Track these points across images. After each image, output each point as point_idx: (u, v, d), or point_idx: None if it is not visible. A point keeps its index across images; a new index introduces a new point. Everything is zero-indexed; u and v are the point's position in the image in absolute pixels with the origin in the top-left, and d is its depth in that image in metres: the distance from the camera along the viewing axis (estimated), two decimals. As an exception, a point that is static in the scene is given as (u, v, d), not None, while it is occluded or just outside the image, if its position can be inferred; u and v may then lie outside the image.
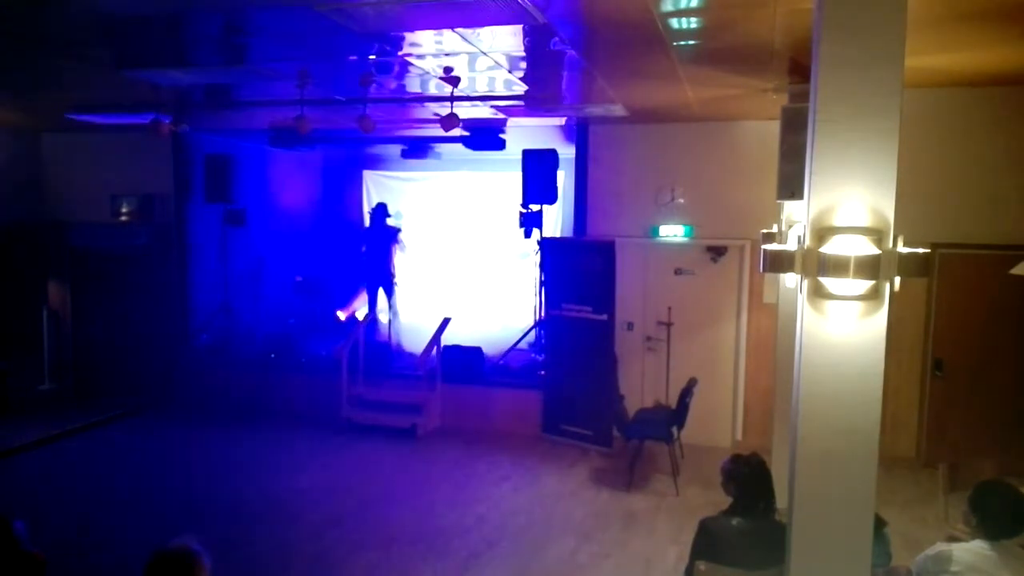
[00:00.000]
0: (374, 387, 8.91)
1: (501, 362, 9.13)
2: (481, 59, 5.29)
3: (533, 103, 7.06)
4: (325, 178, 12.30)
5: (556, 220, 10.52)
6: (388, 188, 11.85)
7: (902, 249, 2.61)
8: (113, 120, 8.62)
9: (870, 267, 2.58)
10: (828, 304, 2.69)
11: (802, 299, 2.77)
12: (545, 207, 8.82)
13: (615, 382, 7.89)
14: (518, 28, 4.49)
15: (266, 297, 10.51)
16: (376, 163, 11.90)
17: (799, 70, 5.38)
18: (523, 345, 9.30)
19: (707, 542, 3.60)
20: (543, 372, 8.33)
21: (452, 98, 6.41)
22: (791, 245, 2.77)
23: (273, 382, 9.26)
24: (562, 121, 8.28)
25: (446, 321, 8.75)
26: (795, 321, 2.86)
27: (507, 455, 7.71)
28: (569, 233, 9.42)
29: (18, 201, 9.72)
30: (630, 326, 8.24)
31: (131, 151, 9.57)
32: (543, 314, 8.67)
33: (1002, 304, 6.82)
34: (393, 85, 6.31)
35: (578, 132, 8.46)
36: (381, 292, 10.65)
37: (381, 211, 10.62)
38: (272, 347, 9.59)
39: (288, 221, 11.25)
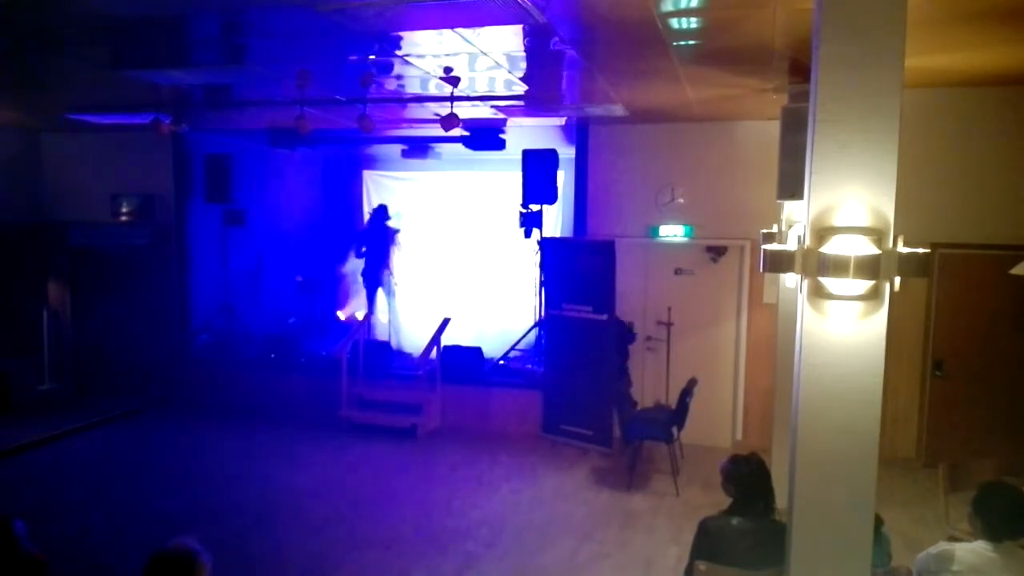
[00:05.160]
0: (374, 387, 8.91)
1: (501, 362, 9.12)
2: (481, 59, 5.29)
3: (533, 103, 7.06)
4: (325, 178, 12.29)
5: (556, 220, 10.50)
6: (388, 188, 11.83)
7: (902, 249, 2.61)
8: (113, 120, 8.62)
9: (870, 267, 2.58)
10: (828, 304, 2.69)
11: (802, 299, 2.77)
12: (545, 207, 8.82)
13: (626, 386, 7.81)
14: (518, 28, 4.49)
15: (266, 297, 10.50)
16: (376, 163, 11.88)
17: (799, 70, 5.37)
18: (521, 346, 9.29)
19: (707, 542, 3.60)
20: (543, 371, 8.33)
21: (452, 98, 6.41)
22: (791, 245, 2.77)
23: (273, 382, 9.26)
24: (562, 121, 8.28)
25: (446, 321, 8.74)
26: (795, 321, 2.86)
27: (507, 455, 7.71)
28: (569, 233, 9.41)
29: (18, 201, 9.72)
30: (630, 326, 8.23)
31: (131, 151, 9.57)
32: (543, 314, 8.67)
33: (1002, 304, 6.82)
34: (393, 85, 6.31)
35: (578, 132, 8.45)
36: (381, 292, 10.65)
37: (382, 212, 10.63)
38: (272, 347, 9.59)
39: (288, 221, 11.24)
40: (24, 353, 9.40)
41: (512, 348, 9.25)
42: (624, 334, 7.89)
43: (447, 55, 5.19)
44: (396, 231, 10.70)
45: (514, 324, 10.05)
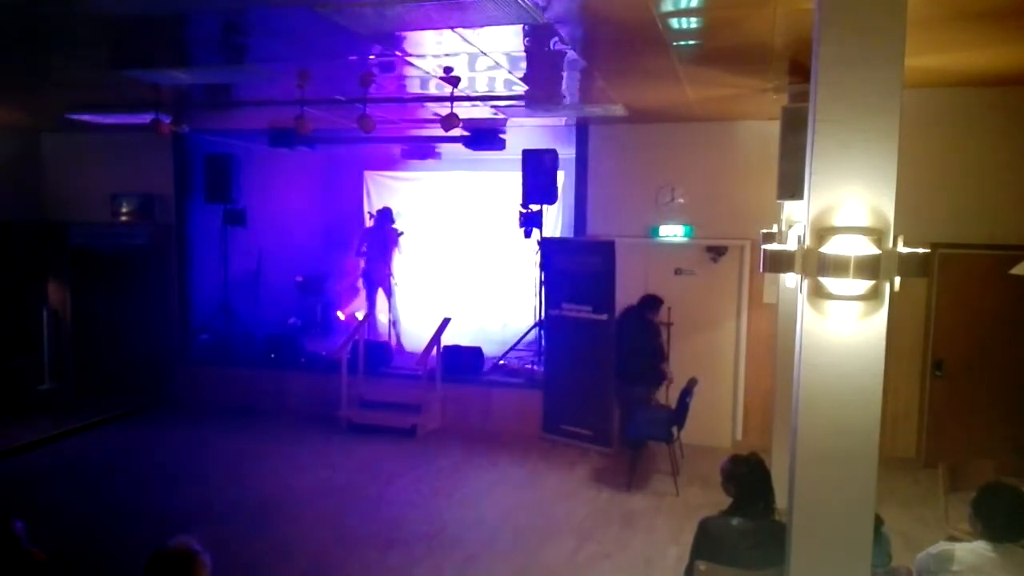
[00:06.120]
0: (374, 387, 8.91)
1: (501, 362, 9.13)
2: (481, 59, 5.29)
3: (533, 103, 7.06)
4: (325, 178, 12.30)
5: (556, 220, 10.51)
6: (388, 188, 11.84)
7: (902, 249, 2.61)
8: (113, 120, 8.62)
9: (870, 267, 2.58)
10: (828, 304, 2.69)
11: (802, 299, 2.77)
12: (545, 207, 8.82)
13: (647, 392, 7.74)
14: (518, 28, 4.49)
15: (266, 297, 10.50)
16: (376, 163, 11.89)
17: (799, 70, 5.37)
18: (521, 346, 9.29)
19: (707, 542, 3.60)
20: (543, 371, 8.33)
21: (452, 98, 6.41)
22: (791, 245, 2.77)
23: (273, 382, 9.26)
24: (562, 121, 8.28)
25: (446, 321, 8.74)
26: (795, 321, 2.86)
27: (507, 455, 7.71)
28: (569, 233, 9.41)
29: (18, 201, 9.72)
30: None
31: (131, 151, 9.57)
32: (543, 314, 8.67)
33: (1002, 304, 6.82)
34: (393, 85, 6.31)
35: (578, 132, 8.45)
36: (381, 292, 10.66)
37: (387, 215, 10.63)
38: (272, 347, 9.59)
39: (288, 221, 11.24)
40: (24, 353, 9.40)
41: (512, 348, 9.25)
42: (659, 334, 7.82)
43: (447, 55, 5.19)
44: (400, 233, 10.71)
45: (514, 324, 10.06)
